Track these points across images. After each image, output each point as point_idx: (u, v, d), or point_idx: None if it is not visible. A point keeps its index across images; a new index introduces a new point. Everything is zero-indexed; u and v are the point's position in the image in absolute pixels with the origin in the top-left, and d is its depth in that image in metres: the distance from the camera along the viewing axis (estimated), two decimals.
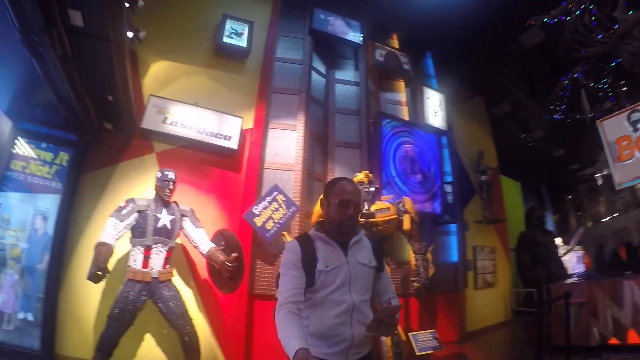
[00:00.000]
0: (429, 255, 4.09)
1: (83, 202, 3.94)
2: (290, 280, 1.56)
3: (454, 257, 6.62)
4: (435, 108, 7.11)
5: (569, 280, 6.52)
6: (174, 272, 3.83)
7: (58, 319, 3.66)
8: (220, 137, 4.56)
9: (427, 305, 5.69)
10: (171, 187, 3.60)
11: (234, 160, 4.67)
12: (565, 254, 10.38)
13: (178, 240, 3.79)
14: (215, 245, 3.74)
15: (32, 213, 3.77)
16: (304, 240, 1.65)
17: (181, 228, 3.68)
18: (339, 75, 6.23)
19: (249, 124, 4.88)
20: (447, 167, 6.71)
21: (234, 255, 3.58)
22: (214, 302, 4.10)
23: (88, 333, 3.63)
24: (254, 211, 4.26)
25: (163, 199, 3.60)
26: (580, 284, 5.33)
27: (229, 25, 5.16)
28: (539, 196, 14.11)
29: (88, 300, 3.69)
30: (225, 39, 5.06)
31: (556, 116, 7.91)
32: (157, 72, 4.69)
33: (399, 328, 3.94)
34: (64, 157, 3.94)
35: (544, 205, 14.22)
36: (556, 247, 9.90)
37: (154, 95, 4.43)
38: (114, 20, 2.86)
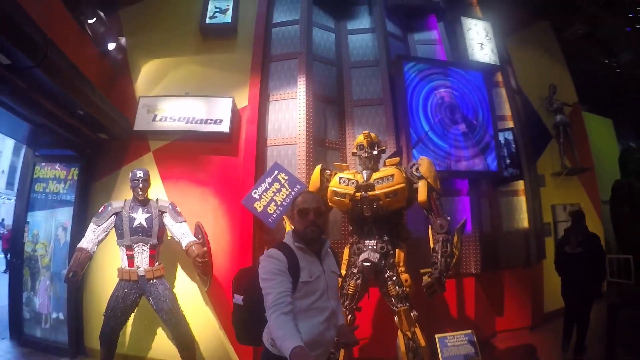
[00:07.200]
0: (455, 238, 3.01)
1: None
2: (280, 284, 1.57)
3: (524, 222, 5.24)
4: (480, 40, 5.72)
5: None
6: (179, 267, 3.86)
7: (84, 316, 4.04)
8: (210, 123, 4.34)
9: (488, 286, 4.63)
10: (141, 185, 3.56)
11: (231, 144, 4.40)
12: None
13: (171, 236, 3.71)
14: (195, 239, 3.58)
15: (54, 226, 4.21)
16: (287, 250, 1.69)
17: (163, 224, 3.61)
18: (351, 25, 5.42)
19: (245, 102, 4.56)
20: (505, 109, 5.34)
21: (203, 249, 3.43)
22: (220, 295, 3.93)
23: None
24: (253, 195, 3.90)
25: (138, 199, 3.60)
26: None
27: (212, 5, 4.92)
28: (637, 134, 10.46)
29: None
30: (209, 20, 4.84)
31: None
32: (148, 72, 4.72)
33: (417, 331, 2.98)
34: (74, 173, 4.27)
35: None
36: None
37: (143, 96, 4.47)
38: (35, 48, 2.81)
